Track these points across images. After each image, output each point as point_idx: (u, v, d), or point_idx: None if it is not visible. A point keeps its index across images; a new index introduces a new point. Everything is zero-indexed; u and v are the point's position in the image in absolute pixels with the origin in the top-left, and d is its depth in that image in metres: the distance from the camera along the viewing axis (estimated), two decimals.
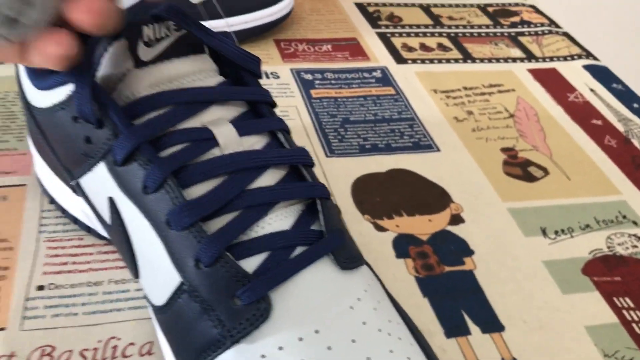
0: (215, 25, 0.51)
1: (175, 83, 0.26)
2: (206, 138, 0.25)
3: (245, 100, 0.27)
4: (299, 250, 0.25)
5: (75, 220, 0.34)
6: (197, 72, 0.27)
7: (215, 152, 0.25)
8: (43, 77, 0.28)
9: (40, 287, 0.31)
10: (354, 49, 0.55)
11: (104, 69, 0.25)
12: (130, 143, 0.24)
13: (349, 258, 0.26)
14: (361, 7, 0.62)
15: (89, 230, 0.34)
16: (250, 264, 0.24)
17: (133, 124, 0.25)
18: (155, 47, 0.26)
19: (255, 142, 0.26)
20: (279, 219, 0.25)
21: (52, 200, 0.35)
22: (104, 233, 0.33)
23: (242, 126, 0.26)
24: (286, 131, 0.28)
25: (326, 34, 0.56)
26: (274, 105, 0.29)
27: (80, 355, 0.29)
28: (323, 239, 0.25)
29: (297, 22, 0.58)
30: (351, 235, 0.28)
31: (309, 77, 0.50)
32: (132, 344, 0.29)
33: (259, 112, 0.28)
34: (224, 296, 0.23)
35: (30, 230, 0.34)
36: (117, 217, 0.26)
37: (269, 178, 0.26)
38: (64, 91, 0.27)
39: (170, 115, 0.25)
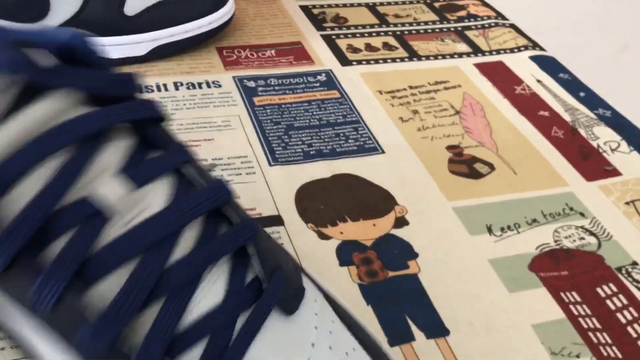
0: (158, 35, 0.50)
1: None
2: (89, 215, 0.20)
3: (125, 121, 0.22)
4: (241, 321, 0.22)
5: None
6: (53, 116, 0.21)
7: (109, 232, 0.21)
8: None
9: None
10: (299, 52, 0.54)
11: None
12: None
13: (292, 296, 0.23)
14: (306, 10, 0.61)
15: None
16: (193, 357, 0.21)
17: None
18: None
19: (155, 194, 0.22)
20: (210, 290, 0.22)
21: None
22: None
23: (133, 174, 0.22)
24: (189, 160, 0.24)
25: (270, 38, 0.56)
26: (162, 119, 0.24)
27: None
28: (264, 294, 0.22)
29: (240, 28, 0.57)
30: (287, 252, 0.27)
31: (251, 84, 0.49)
32: None
33: (150, 140, 0.23)
34: None
35: None
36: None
37: (186, 242, 0.22)
38: None
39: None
